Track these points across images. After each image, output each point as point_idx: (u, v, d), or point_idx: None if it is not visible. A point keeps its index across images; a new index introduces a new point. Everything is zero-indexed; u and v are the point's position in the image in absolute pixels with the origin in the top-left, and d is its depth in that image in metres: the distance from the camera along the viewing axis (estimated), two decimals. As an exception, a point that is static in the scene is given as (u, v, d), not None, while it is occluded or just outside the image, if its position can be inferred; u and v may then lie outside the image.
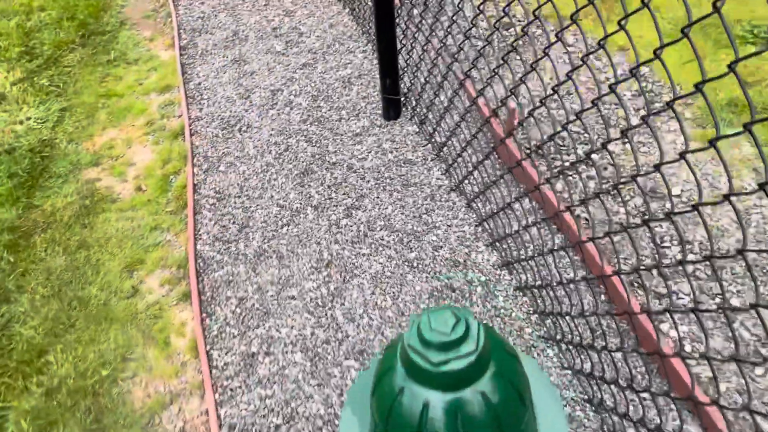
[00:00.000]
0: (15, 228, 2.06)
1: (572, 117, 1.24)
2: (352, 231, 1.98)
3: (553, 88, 1.27)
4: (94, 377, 1.66)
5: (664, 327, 1.64)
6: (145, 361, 1.70)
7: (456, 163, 2.03)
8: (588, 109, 1.21)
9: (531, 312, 1.74)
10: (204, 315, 1.78)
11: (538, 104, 1.36)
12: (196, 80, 2.65)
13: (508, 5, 1.40)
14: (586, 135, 2.15)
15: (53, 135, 2.42)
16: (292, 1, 3.12)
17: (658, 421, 1.26)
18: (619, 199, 1.92)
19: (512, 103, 1.95)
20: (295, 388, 1.60)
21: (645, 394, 1.47)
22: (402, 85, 2.28)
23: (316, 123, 2.39)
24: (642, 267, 1.17)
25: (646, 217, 1.29)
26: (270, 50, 2.78)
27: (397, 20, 2.02)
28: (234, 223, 2.04)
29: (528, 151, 1.99)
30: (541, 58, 1.29)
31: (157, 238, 2.01)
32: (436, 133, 2.20)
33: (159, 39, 2.98)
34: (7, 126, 2.46)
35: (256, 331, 1.73)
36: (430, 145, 2.24)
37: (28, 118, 2.49)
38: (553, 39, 1.22)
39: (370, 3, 2.43)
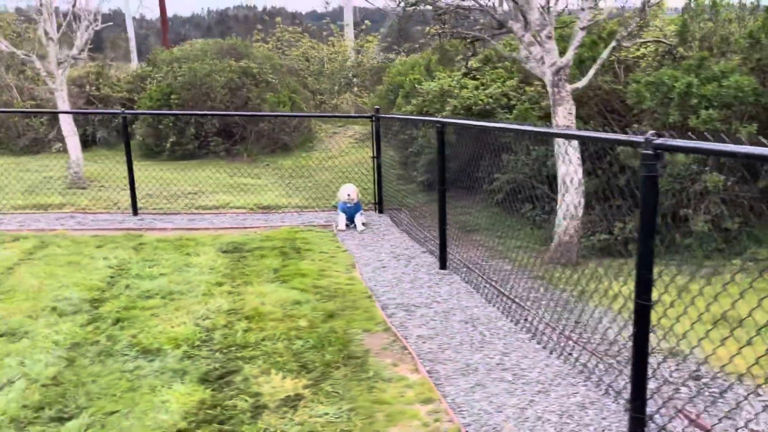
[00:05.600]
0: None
1: None
2: None
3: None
4: None
5: None
6: None
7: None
8: None
9: None
10: None
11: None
12: (451, 396, 3.33)
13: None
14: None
15: (352, 425, 3.02)
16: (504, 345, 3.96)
17: None
18: None
19: None
20: None
21: None
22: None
23: (563, 435, 2.94)
24: None
25: None
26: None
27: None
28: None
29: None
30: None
31: None
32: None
33: (401, 365, 3.76)
34: (311, 418, 3.10)
35: None
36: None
37: (326, 414, 3.14)
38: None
39: None
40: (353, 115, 11.44)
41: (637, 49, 7.05)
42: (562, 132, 5.32)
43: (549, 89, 5.91)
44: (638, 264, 2.69)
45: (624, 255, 6.40)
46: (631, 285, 4.16)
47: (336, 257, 6.25)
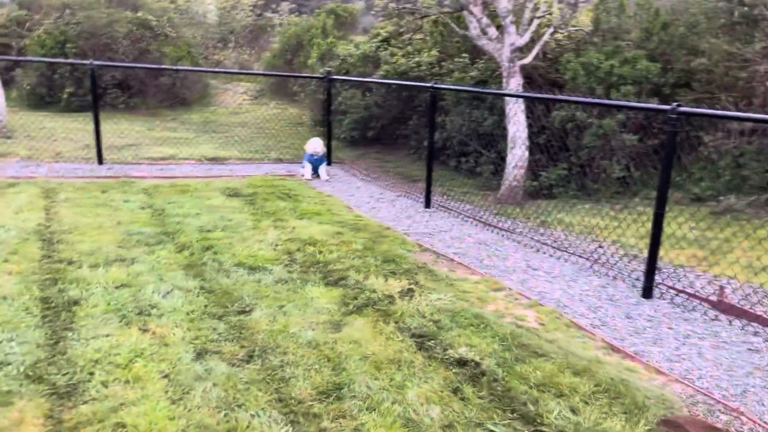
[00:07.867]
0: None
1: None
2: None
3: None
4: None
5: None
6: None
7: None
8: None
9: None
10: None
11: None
12: (512, 286, 4.67)
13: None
14: None
15: (463, 304, 4.24)
16: (521, 255, 5.36)
17: None
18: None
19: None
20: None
21: None
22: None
23: (598, 303, 4.43)
24: None
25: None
26: (538, 274, 4.92)
27: None
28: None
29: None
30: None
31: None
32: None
33: (458, 271, 5.01)
34: (432, 302, 4.26)
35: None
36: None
37: (439, 299, 4.31)
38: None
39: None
40: (308, 75, 12.01)
41: (552, 35, 8.75)
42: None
43: (504, 63, 7.35)
44: (659, 188, 4.20)
45: (546, 197, 8.16)
46: (572, 217, 5.76)
47: (327, 201, 7.23)
